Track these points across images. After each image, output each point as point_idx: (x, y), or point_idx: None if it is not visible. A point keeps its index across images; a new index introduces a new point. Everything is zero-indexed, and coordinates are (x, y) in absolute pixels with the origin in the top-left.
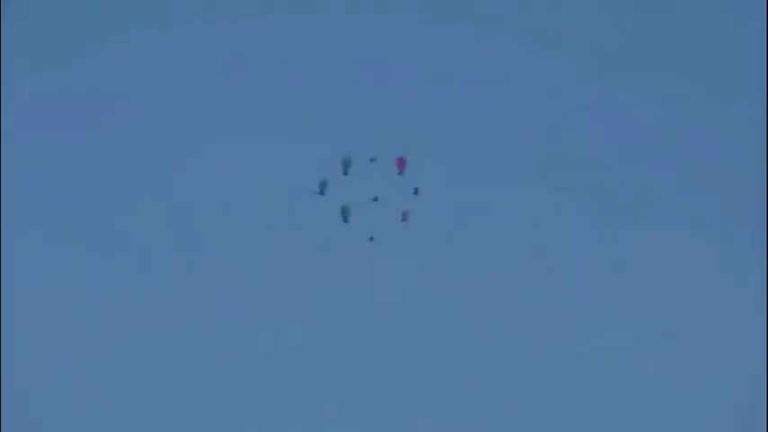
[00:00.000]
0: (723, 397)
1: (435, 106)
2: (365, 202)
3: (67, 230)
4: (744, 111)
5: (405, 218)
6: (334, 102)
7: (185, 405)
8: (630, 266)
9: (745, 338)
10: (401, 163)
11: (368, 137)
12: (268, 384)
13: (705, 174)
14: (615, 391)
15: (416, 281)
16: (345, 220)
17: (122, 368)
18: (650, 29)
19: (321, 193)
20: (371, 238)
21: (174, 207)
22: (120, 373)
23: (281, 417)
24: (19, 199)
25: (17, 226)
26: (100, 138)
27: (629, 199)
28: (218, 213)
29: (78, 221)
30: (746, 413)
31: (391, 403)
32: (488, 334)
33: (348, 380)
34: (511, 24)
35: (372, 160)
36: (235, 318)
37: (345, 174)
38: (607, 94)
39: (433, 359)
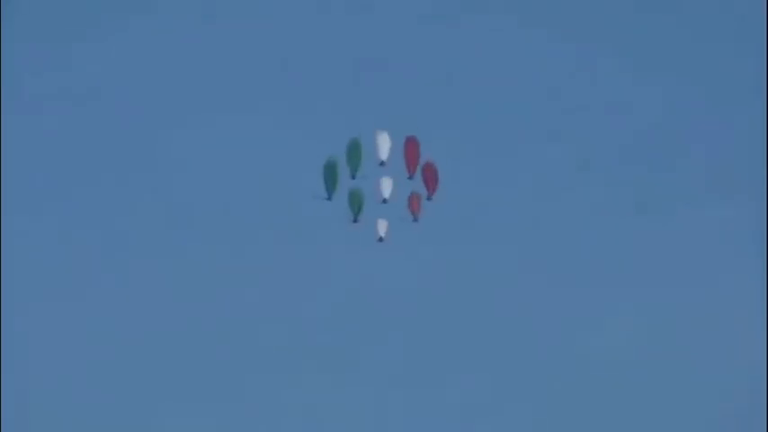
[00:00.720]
0: (723, 393)
1: (435, 104)
2: (375, 205)
3: (66, 229)
4: (745, 107)
5: (414, 213)
6: (334, 99)
7: (185, 402)
8: (631, 262)
9: (746, 335)
10: (412, 150)
11: (367, 136)
12: (270, 385)
13: (707, 170)
14: (615, 388)
15: (419, 280)
16: (355, 218)
17: (118, 362)
18: (652, 25)
19: (329, 198)
20: (381, 239)
21: (176, 205)
22: (117, 367)
23: (285, 418)
24: (18, 196)
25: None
26: (95, 131)
27: (629, 197)
28: (220, 210)
29: (77, 219)
30: (747, 411)
31: (392, 398)
32: (488, 333)
33: (352, 376)
34: (511, 22)
35: (382, 164)
36: (233, 315)
37: (353, 177)
38: (607, 93)
39: (438, 356)
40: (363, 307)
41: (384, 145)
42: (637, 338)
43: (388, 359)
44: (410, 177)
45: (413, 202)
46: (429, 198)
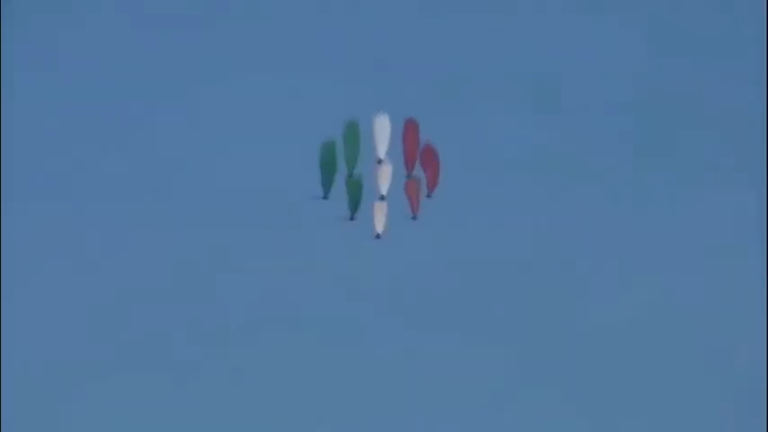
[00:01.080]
0: (723, 388)
1: (435, 103)
2: (373, 201)
3: (63, 228)
4: (745, 97)
5: (413, 212)
6: (334, 99)
7: (184, 402)
8: (634, 251)
9: (747, 325)
10: (411, 144)
11: (365, 136)
12: (269, 384)
13: (707, 162)
14: (618, 380)
15: (418, 277)
16: (352, 215)
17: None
18: (653, 25)
19: (325, 197)
20: (378, 236)
21: (175, 205)
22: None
23: (285, 418)
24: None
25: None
26: (94, 131)
27: (629, 187)
28: (218, 209)
29: (74, 218)
30: (746, 404)
31: (392, 398)
32: (492, 325)
33: (352, 376)
34: (511, 22)
35: (380, 162)
36: (230, 314)
37: (350, 176)
38: (608, 92)
39: (441, 346)
40: (362, 306)
41: (383, 141)
42: (638, 329)
43: (388, 359)
44: (409, 176)
45: (411, 193)
46: (429, 196)
